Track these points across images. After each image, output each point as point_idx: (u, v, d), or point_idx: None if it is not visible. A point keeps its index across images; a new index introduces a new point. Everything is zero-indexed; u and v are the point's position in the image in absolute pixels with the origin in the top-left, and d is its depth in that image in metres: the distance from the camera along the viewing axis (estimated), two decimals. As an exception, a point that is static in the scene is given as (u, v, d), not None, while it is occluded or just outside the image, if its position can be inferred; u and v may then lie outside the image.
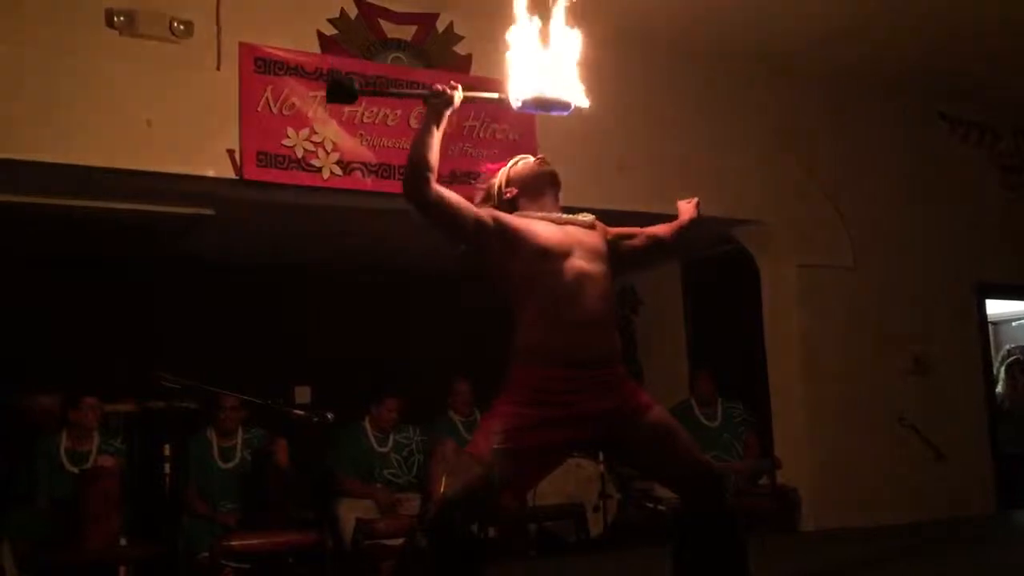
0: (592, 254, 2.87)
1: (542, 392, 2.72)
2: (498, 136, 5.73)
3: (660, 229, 3.15)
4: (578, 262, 2.81)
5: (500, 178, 3.04)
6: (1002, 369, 7.93)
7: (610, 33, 5.48)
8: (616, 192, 5.64)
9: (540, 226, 2.86)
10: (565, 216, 2.94)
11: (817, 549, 5.68)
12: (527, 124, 5.80)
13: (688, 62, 6.22)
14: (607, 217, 3.11)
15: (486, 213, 2.84)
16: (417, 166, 2.71)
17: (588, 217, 2.99)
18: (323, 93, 5.25)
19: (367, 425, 6.00)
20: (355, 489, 5.80)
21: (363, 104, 5.34)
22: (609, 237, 3.00)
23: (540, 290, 2.78)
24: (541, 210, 2.94)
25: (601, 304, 2.82)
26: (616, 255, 2.98)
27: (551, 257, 2.79)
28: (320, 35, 5.33)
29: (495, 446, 2.65)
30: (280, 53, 5.18)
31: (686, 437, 2.88)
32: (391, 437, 6.00)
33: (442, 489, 2.67)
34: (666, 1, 5.55)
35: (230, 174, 4.99)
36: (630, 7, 5.47)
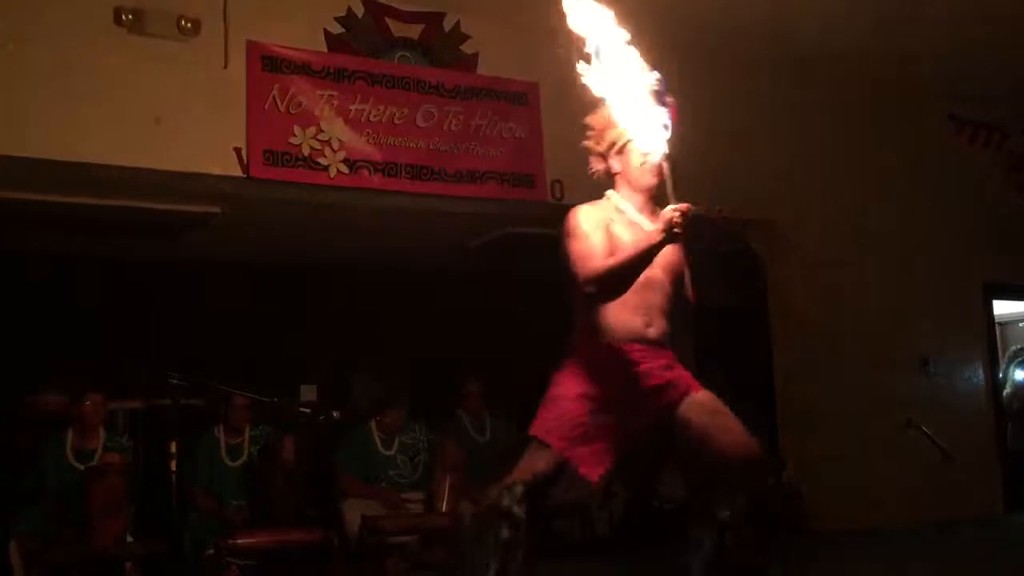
0: (661, 264, 3.00)
1: (605, 364, 2.91)
2: (504, 135, 5.73)
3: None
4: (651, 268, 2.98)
5: (616, 147, 3.08)
6: (1009, 369, 7.92)
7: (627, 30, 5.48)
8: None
9: (626, 233, 3.00)
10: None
11: (822, 549, 5.67)
12: (533, 123, 5.81)
13: (698, 62, 6.20)
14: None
15: (593, 225, 2.97)
16: (620, 286, 2.90)
17: None
18: (330, 92, 5.30)
19: (373, 427, 6.00)
20: (359, 489, 5.80)
21: (370, 101, 5.36)
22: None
23: None
24: (634, 203, 3.08)
25: (661, 296, 3.04)
26: None
27: None
28: (327, 34, 5.34)
29: (559, 427, 2.81)
30: (287, 51, 5.18)
31: (733, 416, 2.99)
32: (396, 440, 6.01)
33: (514, 474, 2.84)
34: (679, 3, 5.54)
35: (237, 172, 5.00)
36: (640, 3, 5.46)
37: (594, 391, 2.89)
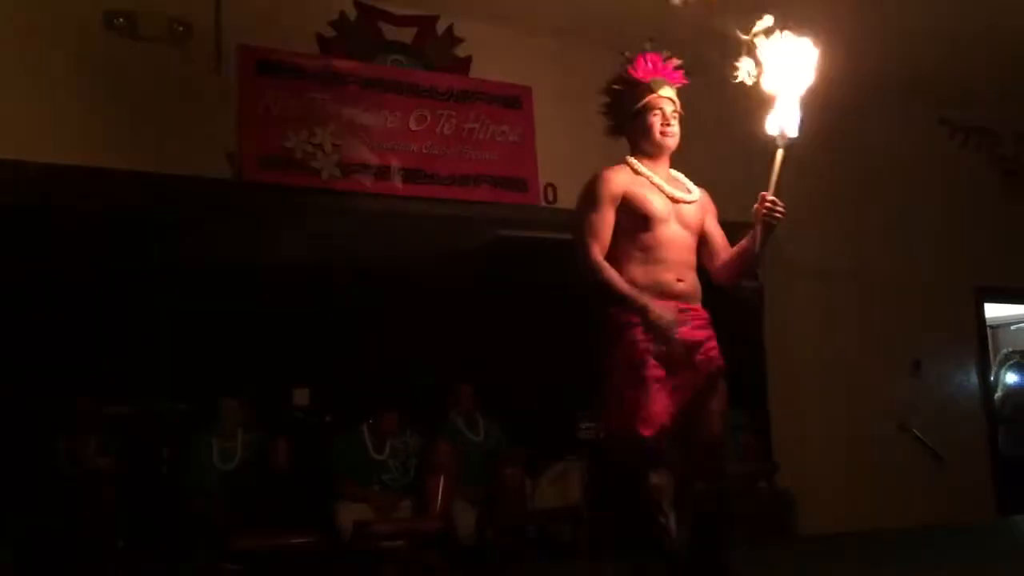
0: (686, 223, 3.21)
1: (645, 338, 3.00)
2: (497, 139, 5.74)
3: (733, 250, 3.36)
4: (674, 226, 3.18)
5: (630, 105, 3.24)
6: (1001, 373, 7.94)
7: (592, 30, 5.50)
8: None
9: (650, 195, 3.17)
10: (676, 193, 3.23)
11: (814, 553, 5.68)
12: (526, 127, 5.82)
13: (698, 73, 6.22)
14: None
15: (611, 199, 3.12)
16: (601, 288, 3.07)
17: (695, 194, 3.31)
18: (323, 96, 5.30)
19: (365, 432, 6.00)
20: (352, 492, 5.80)
21: (363, 105, 5.36)
22: (705, 220, 3.31)
23: (638, 243, 3.13)
24: (652, 167, 3.22)
25: (684, 254, 3.19)
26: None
27: (654, 223, 3.14)
28: (320, 37, 5.34)
29: (631, 413, 2.95)
30: (280, 55, 5.18)
31: (723, 412, 3.13)
32: (388, 444, 6.01)
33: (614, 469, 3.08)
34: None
35: (230, 176, 4.99)
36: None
37: (647, 372, 3.01)
